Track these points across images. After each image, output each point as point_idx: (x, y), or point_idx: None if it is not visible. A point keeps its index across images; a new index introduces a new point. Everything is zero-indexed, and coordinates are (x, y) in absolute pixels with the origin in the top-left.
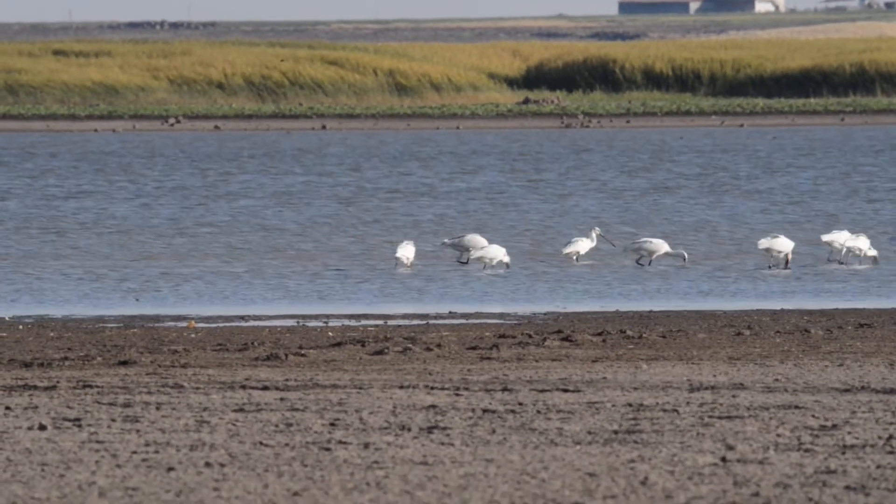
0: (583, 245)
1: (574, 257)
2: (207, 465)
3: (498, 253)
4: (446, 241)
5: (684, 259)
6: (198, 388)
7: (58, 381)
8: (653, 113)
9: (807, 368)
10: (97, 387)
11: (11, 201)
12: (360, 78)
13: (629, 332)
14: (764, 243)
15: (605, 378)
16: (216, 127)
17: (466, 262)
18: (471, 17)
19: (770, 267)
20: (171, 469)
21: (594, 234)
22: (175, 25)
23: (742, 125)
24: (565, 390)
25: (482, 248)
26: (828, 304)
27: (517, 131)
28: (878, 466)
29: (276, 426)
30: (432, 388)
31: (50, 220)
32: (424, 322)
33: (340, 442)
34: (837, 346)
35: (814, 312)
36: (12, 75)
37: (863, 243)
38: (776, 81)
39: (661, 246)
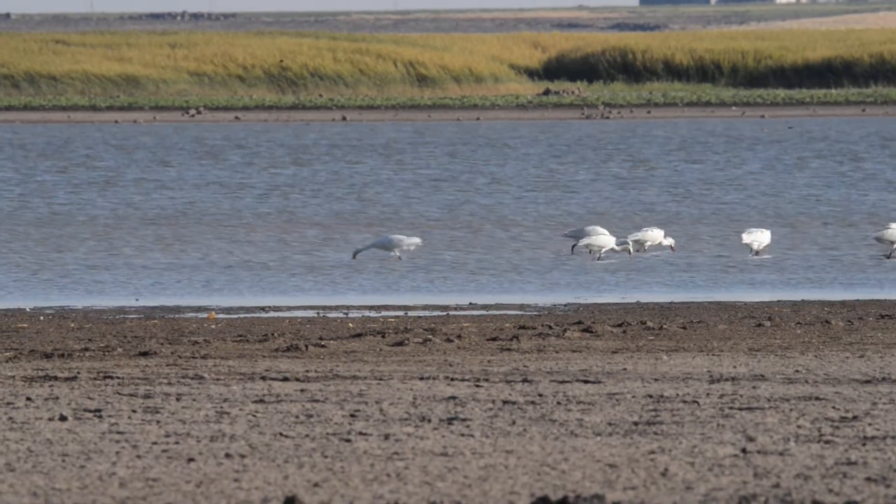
0: (652, 235)
1: (637, 248)
2: (228, 456)
3: (607, 242)
4: (567, 232)
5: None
6: (218, 379)
7: (78, 372)
8: (673, 104)
9: (827, 360)
10: (118, 378)
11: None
12: (380, 69)
13: (649, 324)
14: (876, 233)
15: (625, 369)
16: (236, 118)
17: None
18: (491, 7)
19: (888, 256)
20: (191, 460)
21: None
22: (196, 16)
23: (763, 116)
24: (585, 381)
25: (595, 236)
26: (848, 295)
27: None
28: None
29: (297, 417)
30: (452, 380)
31: (75, 209)
32: (444, 313)
33: (360, 433)
34: (858, 337)
35: (834, 303)
36: (34, 66)
37: None
38: (797, 72)
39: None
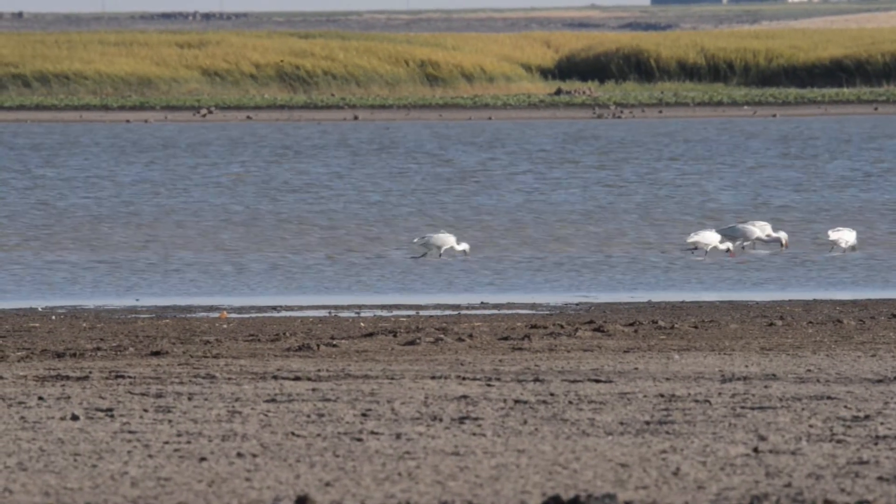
0: (709, 237)
1: (705, 250)
2: (239, 455)
3: (713, 239)
4: (720, 230)
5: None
6: (230, 379)
7: (90, 372)
8: (685, 103)
9: (839, 359)
10: (129, 377)
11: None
12: (391, 68)
13: (661, 323)
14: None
15: (636, 368)
16: (248, 117)
17: (734, 250)
18: (503, 7)
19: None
20: (202, 459)
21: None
22: (207, 16)
23: (775, 115)
24: (597, 381)
25: (703, 233)
26: (860, 295)
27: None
28: None
29: (308, 416)
30: (464, 379)
31: (84, 209)
32: (456, 312)
33: (372, 432)
34: (870, 336)
35: (846, 303)
36: (45, 66)
37: None
38: (809, 71)
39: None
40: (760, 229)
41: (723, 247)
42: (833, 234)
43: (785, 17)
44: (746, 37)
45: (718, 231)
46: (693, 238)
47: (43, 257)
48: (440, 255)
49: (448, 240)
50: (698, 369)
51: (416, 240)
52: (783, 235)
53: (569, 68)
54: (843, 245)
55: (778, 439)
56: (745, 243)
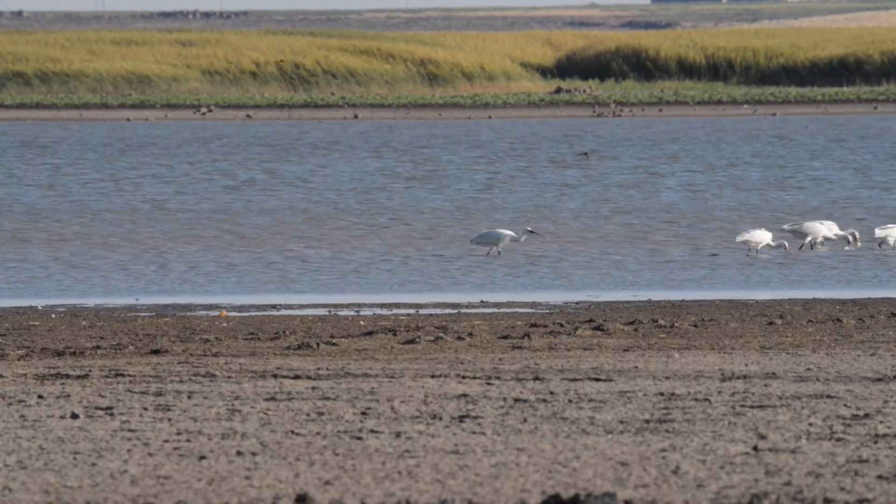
0: (761, 236)
1: (756, 249)
2: (239, 453)
3: (764, 238)
4: (786, 227)
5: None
6: (229, 377)
7: (90, 370)
8: (685, 102)
9: (839, 358)
10: (129, 375)
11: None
12: (391, 67)
13: (661, 322)
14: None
15: (636, 367)
16: (248, 116)
17: (812, 248)
18: (503, 6)
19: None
20: (202, 458)
21: None
22: (207, 15)
23: (774, 114)
24: (597, 379)
25: (755, 231)
26: (860, 294)
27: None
28: None
29: (308, 415)
30: (464, 377)
31: (81, 206)
32: (456, 311)
33: (372, 431)
34: (870, 335)
35: (846, 302)
36: (45, 64)
37: None
38: (809, 70)
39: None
40: (828, 228)
41: (775, 244)
42: (879, 232)
43: (785, 16)
44: (746, 35)
45: (787, 229)
46: (743, 237)
47: (41, 254)
48: (500, 250)
49: (507, 234)
50: (698, 368)
51: (472, 238)
52: (854, 232)
53: (569, 67)
54: (890, 242)
55: (777, 438)
56: (814, 241)
